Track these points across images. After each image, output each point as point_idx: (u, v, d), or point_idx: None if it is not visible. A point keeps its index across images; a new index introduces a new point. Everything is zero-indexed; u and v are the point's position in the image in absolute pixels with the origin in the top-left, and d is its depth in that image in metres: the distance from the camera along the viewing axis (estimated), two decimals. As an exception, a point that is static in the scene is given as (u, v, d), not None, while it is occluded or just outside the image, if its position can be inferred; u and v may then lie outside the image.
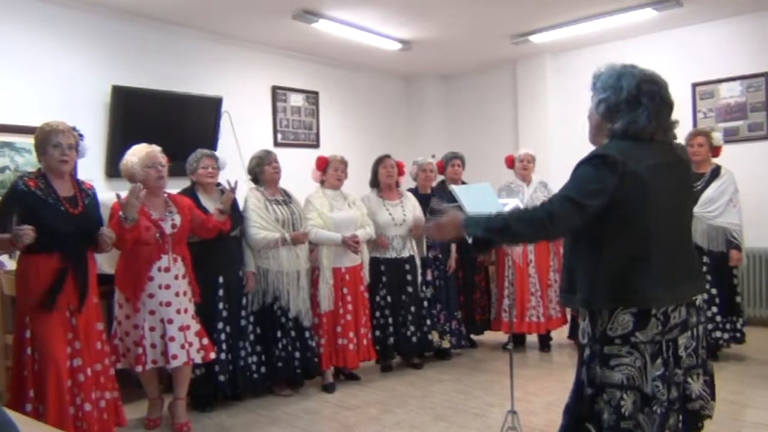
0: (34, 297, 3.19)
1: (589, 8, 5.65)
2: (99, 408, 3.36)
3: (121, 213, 3.50)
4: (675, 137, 2.23)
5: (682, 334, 2.10)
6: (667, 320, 2.06)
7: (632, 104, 2.10)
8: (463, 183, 5.39)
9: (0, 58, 4.50)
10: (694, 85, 6.27)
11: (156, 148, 3.87)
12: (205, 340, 3.90)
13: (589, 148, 2.17)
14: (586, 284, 2.13)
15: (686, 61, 6.27)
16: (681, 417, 2.14)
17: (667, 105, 2.14)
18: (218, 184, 4.39)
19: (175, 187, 4.29)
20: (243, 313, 4.32)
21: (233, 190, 4.10)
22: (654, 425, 2.04)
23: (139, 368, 3.69)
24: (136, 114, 5.04)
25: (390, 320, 4.92)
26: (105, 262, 4.09)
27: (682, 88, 6.22)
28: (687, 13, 5.83)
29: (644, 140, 2.11)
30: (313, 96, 6.92)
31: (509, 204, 3.66)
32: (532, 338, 5.67)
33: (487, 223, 2.14)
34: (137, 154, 3.82)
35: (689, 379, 2.15)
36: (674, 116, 2.24)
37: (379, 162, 5.10)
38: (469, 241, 2.28)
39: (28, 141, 3.40)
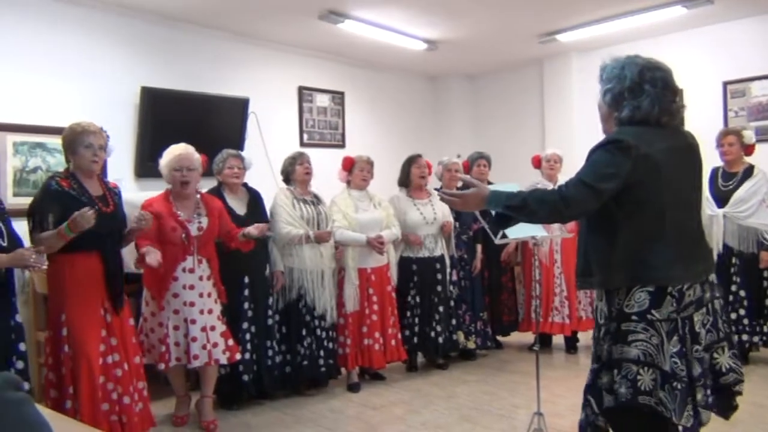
0: (73, 296, 3.25)
1: (618, 6, 5.58)
2: (143, 397, 3.46)
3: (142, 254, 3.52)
4: (683, 122, 2.27)
5: (697, 311, 2.14)
6: (681, 298, 2.10)
7: (635, 92, 2.18)
8: (489, 183, 5.36)
9: (31, 61, 4.58)
10: (725, 84, 6.16)
11: (189, 151, 3.88)
12: (231, 341, 3.93)
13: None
14: (603, 266, 2.19)
15: (717, 59, 6.16)
16: (709, 392, 2.15)
17: (670, 90, 2.19)
18: (244, 184, 4.42)
19: (202, 186, 4.33)
20: (269, 312, 4.35)
21: (269, 229, 4.04)
22: (676, 401, 2.05)
23: (161, 366, 3.75)
24: (164, 115, 5.10)
25: (417, 320, 4.93)
26: (133, 261, 4.15)
27: (712, 87, 6.12)
28: (718, 10, 5.73)
29: (652, 125, 2.16)
30: (338, 96, 6.94)
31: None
32: (559, 340, 5.62)
33: (507, 199, 2.21)
34: (168, 155, 3.86)
35: (715, 354, 2.18)
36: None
37: (412, 161, 5.10)
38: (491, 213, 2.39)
39: (59, 141, 3.47)
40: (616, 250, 2.15)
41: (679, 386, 2.05)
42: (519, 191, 2.23)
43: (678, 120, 2.23)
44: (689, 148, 2.25)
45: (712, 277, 2.24)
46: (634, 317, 2.11)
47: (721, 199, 4.75)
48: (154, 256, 3.47)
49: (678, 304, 2.09)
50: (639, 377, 2.09)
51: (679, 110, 2.22)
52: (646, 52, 2.31)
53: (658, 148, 2.11)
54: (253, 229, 3.91)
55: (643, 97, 2.16)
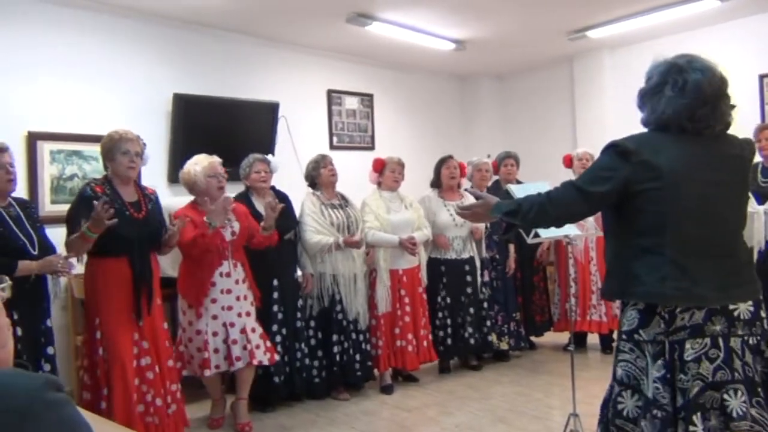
0: (105, 299, 3.32)
1: (650, 0, 5.50)
2: (176, 399, 3.51)
3: (206, 218, 3.64)
4: (723, 127, 2.07)
5: (691, 338, 1.95)
6: (672, 320, 1.97)
7: (655, 93, 2.09)
8: (518, 182, 5.31)
9: (65, 70, 4.67)
10: (762, 77, 6.02)
11: (217, 159, 3.95)
12: (269, 343, 3.98)
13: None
14: (607, 274, 2.19)
15: (753, 52, 6.02)
16: (693, 429, 1.92)
17: (698, 95, 2.00)
18: (272, 188, 4.45)
19: (231, 192, 4.37)
20: (299, 315, 4.37)
21: (273, 208, 3.99)
22: (656, 430, 1.94)
23: (207, 372, 3.79)
24: (196, 121, 5.16)
25: (449, 321, 4.91)
26: (169, 266, 4.21)
27: (748, 80, 5.99)
28: (753, 2, 5.61)
29: (672, 130, 2.04)
30: (367, 98, 6.95)
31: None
32: (593, 340, 5.55)
33: (505, 207, 2.20)
34: (200, 163, 3.89)
35: (726, 396, 1.94)
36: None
37: (443, 162, 5.08)
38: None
39: (95, 149, 3.55)
40: (615, 260, 2.12)
41: (659, 414, 1.94)
42: (517, 198, 2.22)
43: (709, 127, 2.03)
44: (725, 159, 2.06)
45: (741, 310, 1.99)
46: (623, 336, 2.08)
47: (763, 196, 4.64)
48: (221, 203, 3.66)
49: (667, 326, 1.96)
50: (620, 399, 2.04)
51: (707, 117, 2.02)
52: (680, 47, 2.25)
53: (667, 156, 1.97)
54: (267, 218, 3.97)
55: (657, 99, 2.06)
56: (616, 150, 2.05)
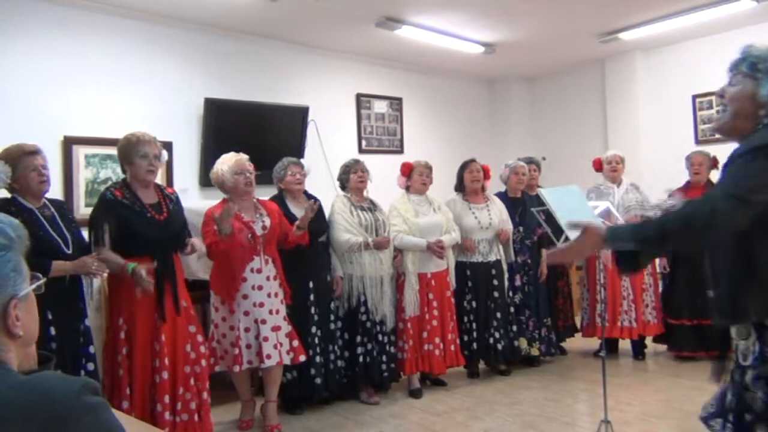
0: (129, 300, 3.34)
1: (684, 1, 5.41)
2: (189, 410, 3.44)
3: (215, 227, 3.65)
4: None
5: None
6: None
7: None
8: (539, 187, 5.26)
9: (99, 76, 4.75)
10: (800, 78, 5.88)
11: (244, 156, 4.00)
12: (296, 342, 4.00)
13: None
14: (758, 297, 1.83)
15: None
16: None
17: None
18: (305, 191, 4.49)
19: (263, 195, 4.41)
20: (332, 317, 4.40)
21: (312, 209, 4.05)
22: None
23: (236, 368, 3.83)
24: (227, 125, 5.22)
25: (474, 326, 4.88)
26: (201, 269, 4.26)
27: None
28: (790, 3, 5.49)
29: None
30: (396, 102, 6.96)
31: (599, 207, 3.56)
32: (625, 345, 5.47)
33: (636, 233, 1.89)
34: (227, 162, 3.96)
35: None
36: None
37: (465, 167, 5.08)
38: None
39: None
40: (761, 277, 1.83)
41: None
42: (646, 220, 1.94)
43: None
44: None
45: None
46: None
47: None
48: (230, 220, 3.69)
49: None
50: None
51: None
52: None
53: None
54: (303, 218, 4.01)
55: None
56: None
